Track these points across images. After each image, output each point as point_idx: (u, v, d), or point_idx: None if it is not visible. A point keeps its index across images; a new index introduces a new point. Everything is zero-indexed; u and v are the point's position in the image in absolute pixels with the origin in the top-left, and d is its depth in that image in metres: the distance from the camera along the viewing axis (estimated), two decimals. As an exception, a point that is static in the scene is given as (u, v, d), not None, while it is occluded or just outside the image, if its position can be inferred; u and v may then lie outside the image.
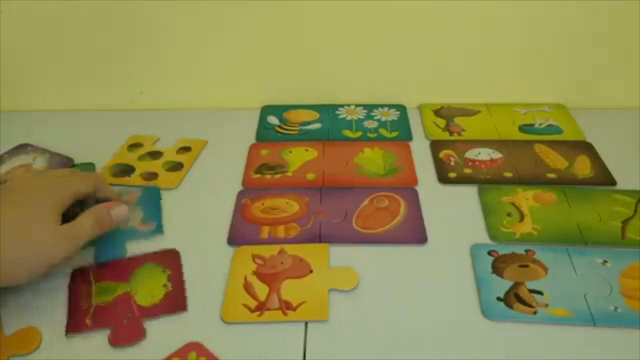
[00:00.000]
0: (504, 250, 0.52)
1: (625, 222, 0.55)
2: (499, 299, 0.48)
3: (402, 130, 0.70)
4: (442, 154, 0.66)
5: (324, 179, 0.62)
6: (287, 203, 0.59)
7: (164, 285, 0.49)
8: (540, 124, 0.70)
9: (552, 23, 0.69)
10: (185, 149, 0.67)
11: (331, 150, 0.67)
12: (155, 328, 0.46)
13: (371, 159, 0.65)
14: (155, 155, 0.67)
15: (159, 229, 0.55)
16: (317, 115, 0.73)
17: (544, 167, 0.63)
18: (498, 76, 0.73)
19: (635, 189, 0.60)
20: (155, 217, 0.57)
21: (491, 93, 0.75)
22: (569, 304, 0.47)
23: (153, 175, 0.63)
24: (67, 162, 0.65)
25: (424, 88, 0.75)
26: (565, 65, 0.72)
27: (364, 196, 0.59)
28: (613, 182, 0.61)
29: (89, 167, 0.65)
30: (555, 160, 0.64)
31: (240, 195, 0.60)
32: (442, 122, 0.72)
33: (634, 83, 0.72)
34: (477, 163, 0.64)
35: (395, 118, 0.73)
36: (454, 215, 0.57)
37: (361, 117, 0.73)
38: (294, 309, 0.47)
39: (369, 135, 0.69)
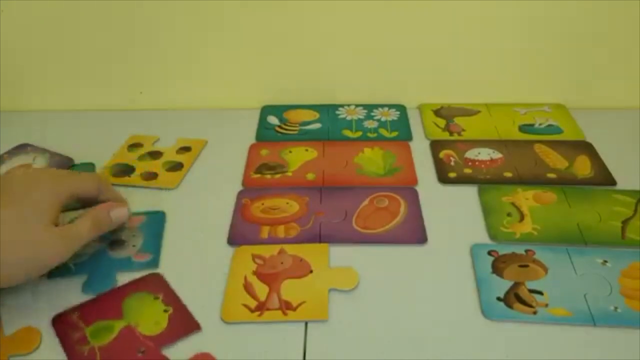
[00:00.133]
0: (504, 250, 0.52)
1: (625, 222, 0.55)
2: (499, 299, 0.48)
3: (402, 130, 0.70)
4: (442, 154, 0.66)
5: (324, 179, 0.62)
6: (287, 203, 0.59)
7: (165, 311, 0.47)
8: (540, 124, 0.70)
9: (552, 23, 0.69)
10: (185, 149, 0.67)
11: (331, 150, 0.67)
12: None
13: (371, 159, 0.65)
14: (155, 155, 0.67)
15: (154, 263, 0.52)
16: (317, 115, 0.73)
17: (544, 167, 0.63)
18: (498, 76, 0.73)
19: (635, 189, 0.60)
20: (153, 248, 0.54)
21: (491, 93, 0.75)
22: (569, 304, 0.47)
23: (153, 175, 0.63)
24: (67, 162, 0.65)
25: (424, 88, 0.75)
26: (565, 65, 0.72)
27: (364, 196, 0.59)
28: (613, 182, 0.61)
29: (89, 167, 0.65)
30: (555, 160, 0.64)
31: (240, 195, 0.60)
32: (442, 122, 0.72)
33: (634, 83, 0.72)
34: (477, 163, 0.64)
35: (395, 118, 0.73)
36: (454, 215, 0.57)
37: (361, 117, 0.73)
38: (294, 309, 0.47)
39: (369, 135, 0.69)
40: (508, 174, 0.62)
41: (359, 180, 0.62)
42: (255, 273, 0.51)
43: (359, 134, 0.70)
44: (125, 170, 0.64)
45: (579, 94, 0.74)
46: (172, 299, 0.48)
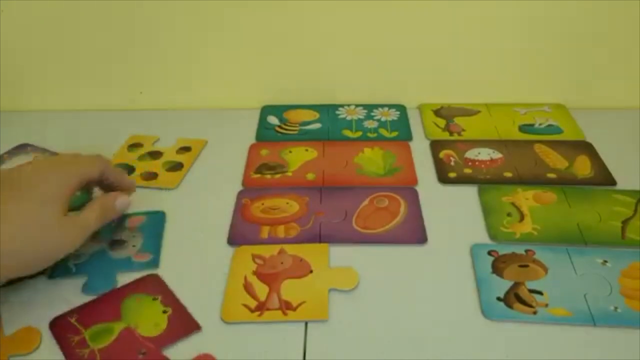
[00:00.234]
0: (504, 250, 0.52)
1: (625, 222, 0.55)
2: (499, 299, 0.48)
3: (402, 130, 0.70)
4: (442, 154, 0.66)
5: (324, 179, 0.62)
6: (287, 203, 0.59)
7: (164, 312, 0.47)
8: (540, 124, 0.70)
9: (552, 23, 0.69)
10: (185, 149, 0.67)
11: (331, 150, 0.67)
12: (155, 328, 0.46)
13: (371, 159, 0.65)
14: (155, 155, 0.67)
15: (154, 263, 0.52)
16: (317, 115, 0.73)
17: (544, 167, 0.63)
18: (498, 76, 0.73)
19: (635, 189, 0.60)
20: (153, 248, 0.54)
21: (491, 93, 0.75)
22: (569, 304, 0.47)
23: (153, 175, 0.63)
24: (67, 162, 0.65)
25: (424, 88, 0.75)
26: (565, 65, 0.72)
27: (364, 196, 0.59)
28: (613, 182, 0.61)
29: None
30: (555, 160, 0.64)
31: (240, 195, 0.60)
32: (442, 122, 0.72)
33: (634, 83, 0.72)
34: (477, 163, 0.64)
35: (395, 118, 0.73)
36: (454, 215, 0.57)
37: (361, 117, 0.73)
38: (294, 309, 0.47)
39: (369, 135, 0.69)
40: (508, 174, 0.62)
41: (359, 180, 0.62)
42: (255, 273, 0.51)
43: (359, 134, 0.70)
44: (125, 170, 0.64)
45: (579, 94, 0.74)
46: (171, 299, 0.48)
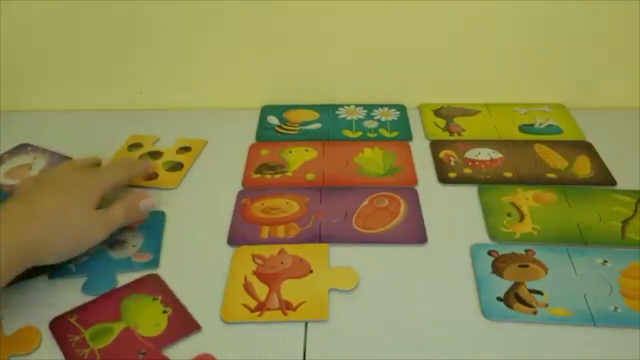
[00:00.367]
0: (504, 250, 0.52)
1: (625, 222, 0.55)
2: (499, 299, 0.48)
3: (402, 130, 0.70)
4: (442, 154, 0.66)
5: (324, 179, 0.62)
6: (287, 203, 0.59)
7: (164, 312, 0.47)
8: (540, 124, 0.70)
9: (552, 23, 0.69)
10: (185, 149, 0.67)
11: (331, 150, 0.67)
12: (155, 328, 0.46)
13: (371, 159, 0.65)
14: (155, 155, 0.67)
15: (154, 263, 0.52)
16: (317, 115, 0.73)
17: (544, 167, 0.63)
18: (498, 76, 0.73)
19: (635, 189, 0.60)
20: (153, 248, 0.54)
21: (491, 93, 0.75)
22: (569, 304, 0.47)
23: (153, 175, 0.63)
24: (67, 162, 0.65)
25: (424, 88, 0.75)
26: (565, 65, 0.72)
27: (364, 196, 0.59)
28: (613, 182, 0.61)
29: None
30: (555, 160, 0.64)
31: (240, 195, 0.60)
32: (442, 122, 0.72)
33: (634, 83, 0.72)
34: (477, 163, 0.64)
35: (395, 118, 0.73)
36: (454, 215, 0.57)
37: (361, 117, 0.73)
38: (294, 309, 0.47)
39: (369, 135, 0.69)
40: (508, 174, 0.62)
41: (359, 180, 0.62)
42: (255, 273, 0.51)
43: (359, 134, 0.70)
44: (125, 170, 0.64)
45: (579, 94, 0.74)
46: (171, 299, 0.48)
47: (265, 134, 0.70)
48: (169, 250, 0.54)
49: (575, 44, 0.70)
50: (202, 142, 0.69)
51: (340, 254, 0.52)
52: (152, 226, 0.56)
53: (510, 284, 0.49)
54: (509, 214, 0.56)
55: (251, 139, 0.69)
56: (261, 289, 0.49)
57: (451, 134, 0.69)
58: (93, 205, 0.51)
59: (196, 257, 0.53)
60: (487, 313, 0.47)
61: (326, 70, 0.73)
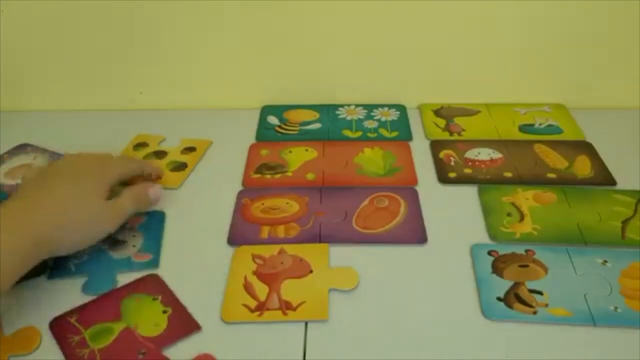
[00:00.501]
0: (504, 250, 0.52)
1: (625, 222, 0.55)
2: (499, 299, 0.48)
3: (402, 130, 0.70)
4: (442, 154, 0.66)
5: (324, 179, 0.62)
6: (287, 203, 0.59)
7: (164, 312, 0.47)
8: (540, 124, 0.70)
9: (552, 23, 0.69)
10: (190, 149, 0.67)
11: (331, 150, 0.67)
12: (155, 328, 0.46)
13: (371, 159, 0.65)
14: (160, 155, 0.67)
15: (154, 263, 0.52)
16: (317, 115, 0.73)
17: (544, 167, 0.63)
18: (498, 76, 0.73)
19: (635, 189, 0.60)
20: (153, 248, 0.54)
21: (491, 93, 0.75)
22: (569, 304, 0.47)
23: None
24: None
25: (424, 88, 0.75)
26: (565, 65, 0.72)
27: (364, 196, 0.59)
28: (613, 182, 0.61)
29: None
30: (555, 160, 0.64)
31: (240, 195, 0.60)
32: (442, 122, 0.72)
33: (634, 83, 0.72)
34: (477, 163, 0.64)
35: (395, 118, 0.73)
36: (454, 215, 0.57)
37: (361, 117, 0.73)
38: (294, 309, 0.47)
39: (369, 135, 0.69)
40: (508, 174, 0.62)
41: (359, 180, 0.62)
42: (255, 273, 0.51)
43: (359, 134, 0.70)
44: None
45: (579, 94, 0.74)
46: (171, 299, 0.48)
47: (265, 134, 0.70)
48: (169, 250, 0.54)
49: (575, 44, 0.70)
50: (207, 143, 0.69)
51: (340, 254, 0.52)
52: (152, 226, 0.56)
53: (510, 284, 0.49)
54: (509, 214, 0.56)
55: (251, 139, 0.69)
56: (261, 289, 0.49)
57: (451, 134, 0.69)
58: (103, 195, 0.51)
59: (196, 257, 0.53)
60: (487, 313, 0.47)
61: (326, 70, 0.73)
